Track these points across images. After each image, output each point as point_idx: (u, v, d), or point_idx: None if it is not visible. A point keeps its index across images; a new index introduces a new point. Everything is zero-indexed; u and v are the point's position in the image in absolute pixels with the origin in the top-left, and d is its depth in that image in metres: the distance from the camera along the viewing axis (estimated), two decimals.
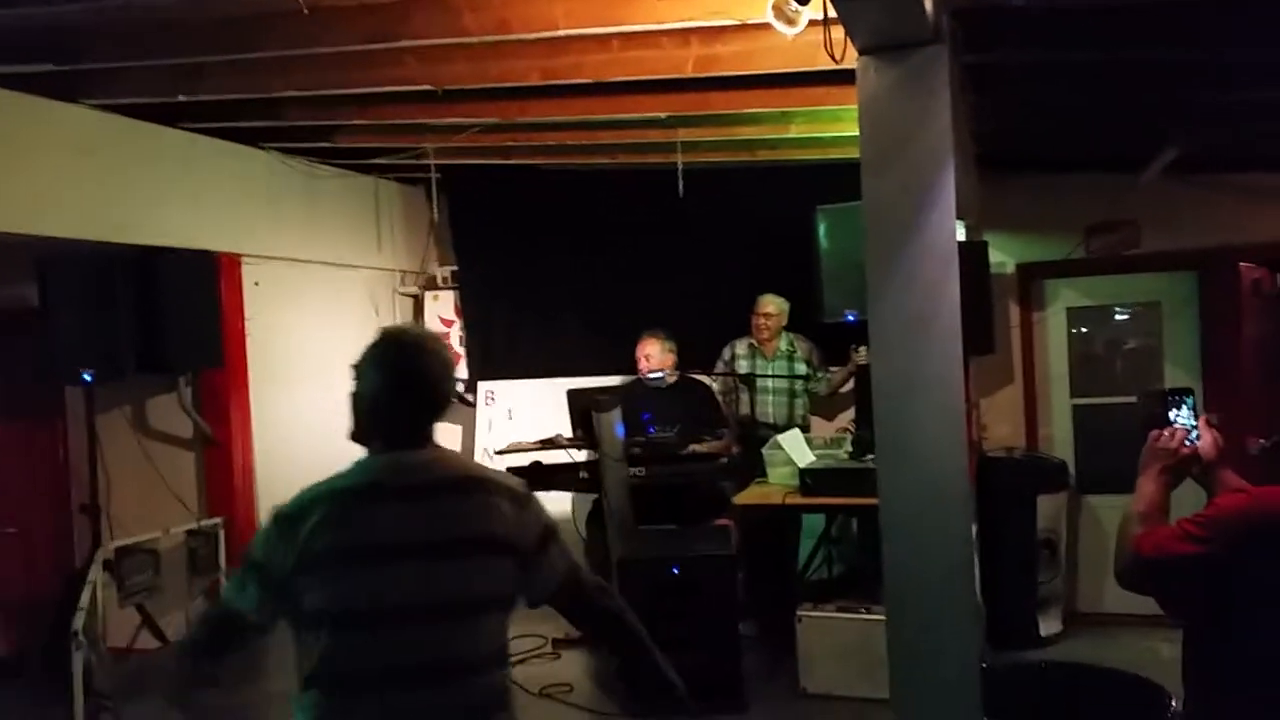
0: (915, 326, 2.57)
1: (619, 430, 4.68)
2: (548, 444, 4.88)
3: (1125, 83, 4.20)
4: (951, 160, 2.49)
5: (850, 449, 4.87)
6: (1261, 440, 6.30)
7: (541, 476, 4.94)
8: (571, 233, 7.06)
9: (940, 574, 2.62)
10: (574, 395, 4.90)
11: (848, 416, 6.44)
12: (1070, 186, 6.37)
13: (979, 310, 5.71)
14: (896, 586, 2.70)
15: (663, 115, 4.77)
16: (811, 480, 4.33)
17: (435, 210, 6.28)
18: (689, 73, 3.97)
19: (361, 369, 2.05)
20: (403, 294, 7.66)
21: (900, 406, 2.59)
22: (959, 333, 2.58)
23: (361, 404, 2.02)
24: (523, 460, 5.03)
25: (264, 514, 5.15)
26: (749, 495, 4.72)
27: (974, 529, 4.82)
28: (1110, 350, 6.73)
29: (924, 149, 2.49)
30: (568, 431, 5.06)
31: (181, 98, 4.70)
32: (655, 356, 5.49)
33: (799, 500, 4.40)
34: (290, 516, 1.89)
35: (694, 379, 5.60)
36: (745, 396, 5.67)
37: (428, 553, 1.93)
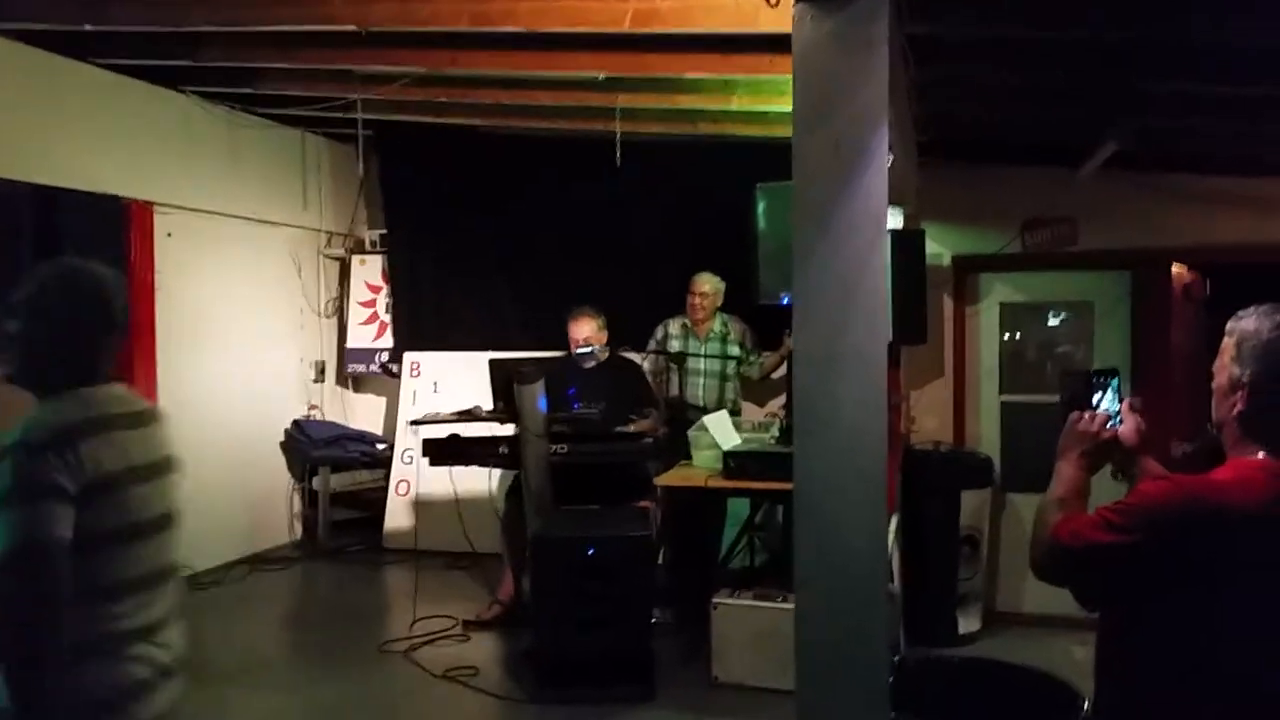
0: (840, 295, 2.43)
1: (541, 404, 4.48)
2: (466, 416, 4.67)
3: (1073, 63, 4.11)
4: (886, 120, 2.35)
5: (778, 434, 4.75)
6: (1185, 445, 6.36)
7: (459, 450, 4.75)
8: (506, 201, 6.84)
9: (852, 561, 2.49)
10: (496, 365, 4.70)
11: (780, 403, 6.33)
12: (1009, 179, 6.31)
13: (913, 299, 5.62)
14: (807, 572, 2.56)
15: (600, 75, 4.58)
16: (735, 463, 4.19)
17: (361, 167, 6.01)
18: (626, 27, 3.80)
19: (44, 302, 1.91)
20: (328, 256, 7.37)
21: (820, 381, 2.44)
22: (886, 303, 2.45)
23: (50, 338, 1.90)
24: (440, 432, 4.81)
25: None
26: (671, 477, 4.57)
27: (895, 519, 4.74)
28: (1041, 348, 6.71)
29: (859, 105, 2.34)
30: (490, 404, 4.84)
31: (88, 27, 4.39)
32: (588, 335, 5.30)
33: (721, 483, 4.26)
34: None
35: (624, 357, 5.43)
36: (676, 377, 5.51)
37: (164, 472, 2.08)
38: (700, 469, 4.58)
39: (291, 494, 6.91)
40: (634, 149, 6.13)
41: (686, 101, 5.20)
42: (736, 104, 5.06)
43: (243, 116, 6.45)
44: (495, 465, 4.76)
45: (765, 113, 5.48)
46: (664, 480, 4.55)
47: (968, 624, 5.87)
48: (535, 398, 4.45)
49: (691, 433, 4.65)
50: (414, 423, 5.07)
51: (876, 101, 2.36)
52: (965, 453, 6.22)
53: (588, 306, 5.41)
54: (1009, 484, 6.39)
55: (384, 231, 7.21)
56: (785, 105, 5.12)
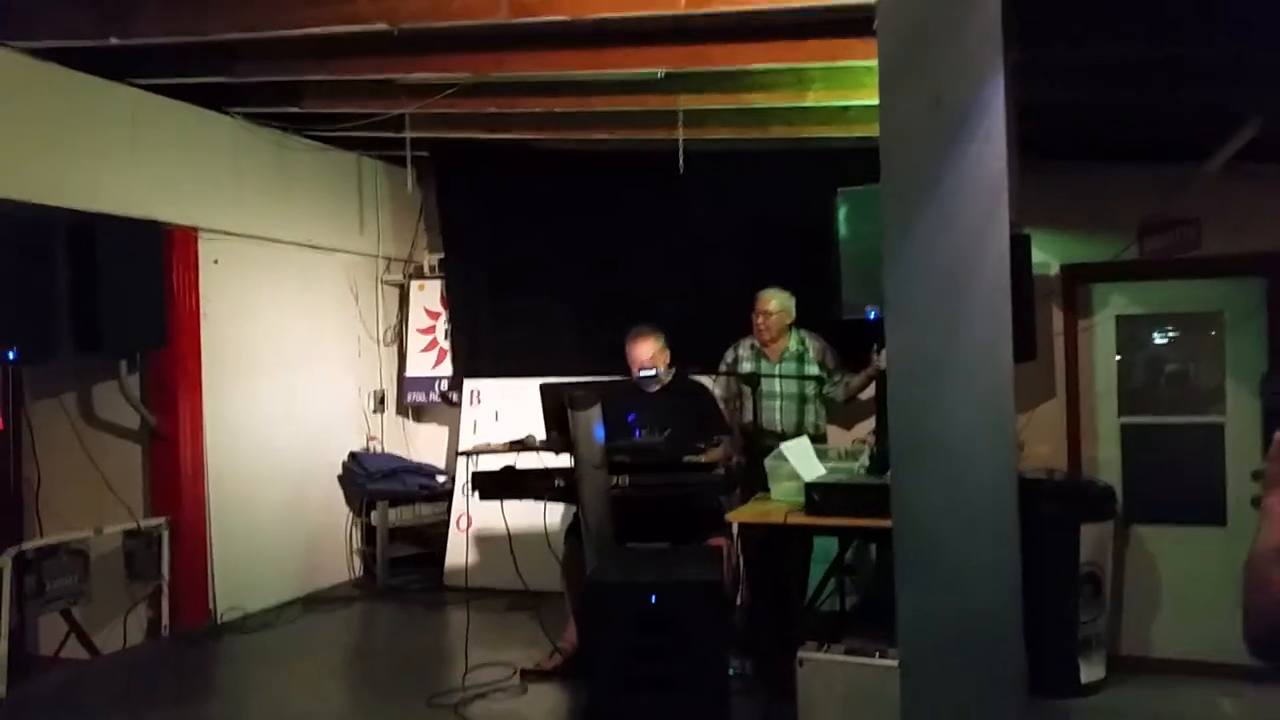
0: (948, 289, 1.92)
1: (598, 433, 4.03)
2: (518, 446, 4.24)
3: (1204, 38, 3.53)
4: (1000, 67, 1.84)
5: (868, 462, 4.20)
6: None
7: (511, 483, 4.31)
8: (566, 219, 6.45)
9: (971, 613, 1.96)
10: (547, 390, 4.26)
11: (869, 427, 5.75)
12: (1123, 178, 5.68)
13: (1020, 311, 5.01)
14: (913, 628, 2.05)
15: (658, 73, 4.15)
16: (819, 496, 3.65)
17: (412, 185, 5.68)
18: (682, 9, 3.35)
19: None
20: (387, 282, 7.07)
21: (926, 397, 1.93)
22: (1008, 293, 1.92)
23: None
24: (493, 464, 4.39)
25: (215, 515, 4.53)
26: (745, 512, 4.04)
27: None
28: (1165, 364, 6.00)
29: (963, 49, 1.83)
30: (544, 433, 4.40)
31: (114, 40, 4.15)
32: (649, 356, 4.83)
33: (803, 519, 3.72)
34: None
35: (692, 380, 4.94)
36: (749, 403, 5.00)
37: None
38: (780, 503, 4.05)
39: (350, 529, 6.58)
40: (701, 159, 5.69)
41: (755, 99, 4.74)
42: (812, 99, 4.58)
43: (293, 139, 6.22)
44: (551, 499, 4.31)
45: (845, 108, 4.98)
46: (738, 516, 4.03)
47: (1091, 672, 5.20)
48: (591, 425, 4.00)
49: (769, 462, 4.13)
50: (463, 453, 4.67)
51: (986, 43, 1.85)
52: (1083, 481, 5.56)
53: (647, 325, 4.95)
54: (1133, 515, 5.71)
55: (442, 256, 6.88)
56: (867, 98, 4.64)
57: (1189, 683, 5.08)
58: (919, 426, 1.96)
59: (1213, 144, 4.87)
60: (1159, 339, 6.00)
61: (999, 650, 1.95)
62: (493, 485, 4.28)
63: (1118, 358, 5.94)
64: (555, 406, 4.10)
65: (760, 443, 5.06)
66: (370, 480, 6.23)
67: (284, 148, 6.16)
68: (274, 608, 5.85)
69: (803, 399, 5.21)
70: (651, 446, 4.18)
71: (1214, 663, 5.47)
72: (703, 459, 4.35)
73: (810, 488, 3.69)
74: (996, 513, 1.89)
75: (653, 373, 4.76)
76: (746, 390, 4.88)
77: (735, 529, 4.16)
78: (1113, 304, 5.96)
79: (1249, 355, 5.68)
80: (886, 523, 3.58)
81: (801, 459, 3.91)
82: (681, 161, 4.91)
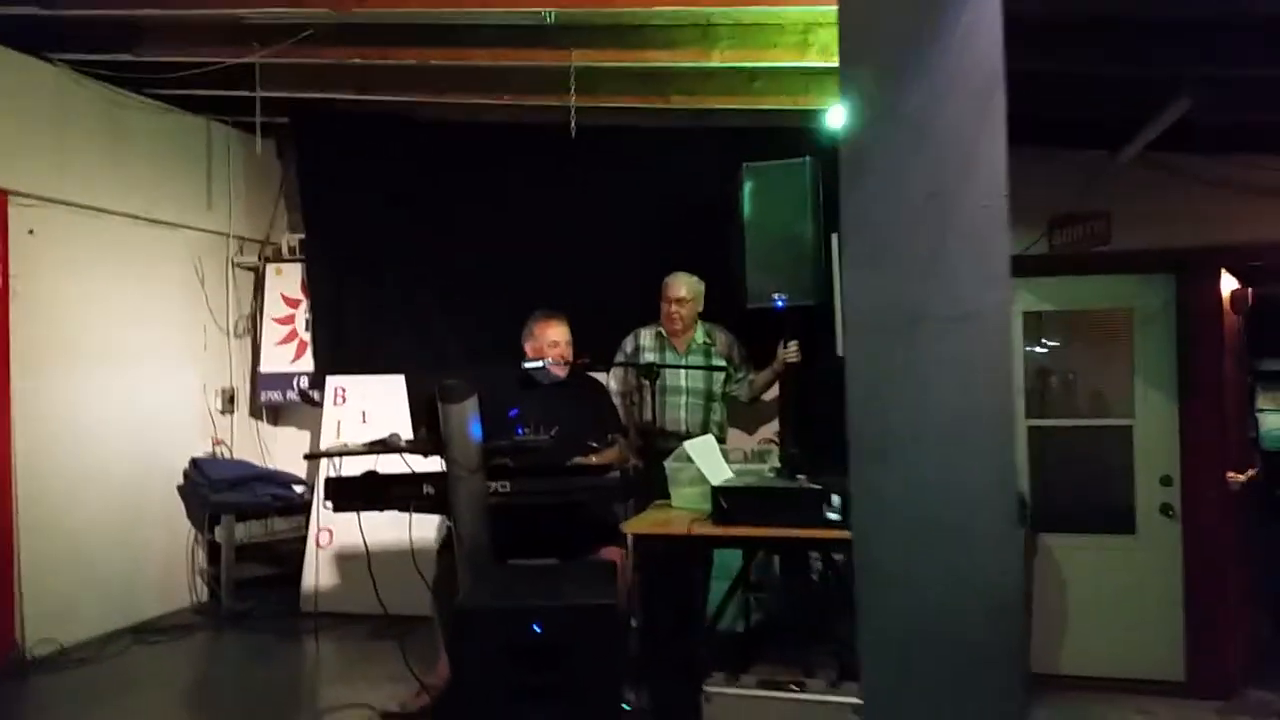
0: (932, 214, 1.45)
1: (474, 430, 3.45)
2: (378, 447, 3.62)
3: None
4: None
5: (778, 464, 3.75)
6: (1239, 476, 5.45)
7: (371, 491, 3.68)
8: (446, 198, 5.83)
9: (956, 642, 1.49)
10: (415, 380, 3.68)
11: (772, 429, 5.33)
12: (1035, 165, 5.40)
13: None
14: (879, 660, 1.57)
15: (547, 14, 3.62)
16: (728, 503, 3.16)
17: (260, 149, 4.99)
18: None
19: None
20: (240, 265, 6.31)
21: (896, 363, 1.45)
22: (1005, 223, 1.47)
23: None
24: (352, 467, 3.75)
25: (24, 530, 3.68)
26: (644, 521, 3.52)
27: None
28: (1074, 363, 5.79)
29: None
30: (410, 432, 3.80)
31: None
32: (558, 343, 4.29)
33: (710, 530, 3.24)
34: None
35: (583, 374, 4.42)
36: (649, 397, 4.51)
37: None
38: (681, 510, 3.55)
39: (192, 547, 5.79)
40: (597, 133, 5.18)
41: (656, 58, 4.26)
42: (718, 58, 4.12)
43: (130, 97, 5.43)
44: (419, 509, 3.70)
45: (752, 77, 4.55)
46: (636, 526, 3.50)
47: None
48: (466, 421, 3.42)
49: (670, 464, 3.63)
50: (310, 457, 4.02)
51: None
52: None
53: (558, 312, 4.40)
54: (1040, 523, 5.44)
55: (303, 236, 6.16)
56: (775, 58, 4.23)
57: (1102, 700, 4.85)
58: (890, 409, 1.48)
59: (1133, 128, 4.64)
60: (1068, 336, 5.79)
61: (989, 687, 1.49)
62: (348, 494, 3.64)
63: (1023, 356, 5.70)
64: (424, 399, 3.51)
65: (660, 444, 4.57)
66: (214, 490, 5.47)
67: (118, 105, 5.37)
68: (97, 639, 5.04)
69: (709, 396, 4.75)
70: (536, 446, 3.62)
71: (1126, 678, 5.27)
72: (594, 460, 3.83)
73: (719, 493, 3.20)
74: (991, 517, 1.43)
75: (540, 364, 4.21)
76: (645, 385, 4.38)
77: (630, 541, 3.64)
78: (1020, 300, 5.70)
79: (1158, 355, 5.50)
80: (802, 532, 3.19)
81: (708, 460, 3.42)
82: (574, 128, 4.38)
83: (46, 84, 4.95)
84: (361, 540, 3.77)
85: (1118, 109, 4.60)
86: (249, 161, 6.30)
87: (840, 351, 4.91)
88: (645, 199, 5.38)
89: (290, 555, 5.66)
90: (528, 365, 4.24)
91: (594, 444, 3.76)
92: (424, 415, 3.57)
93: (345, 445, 3.82)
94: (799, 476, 3.76)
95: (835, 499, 3.06)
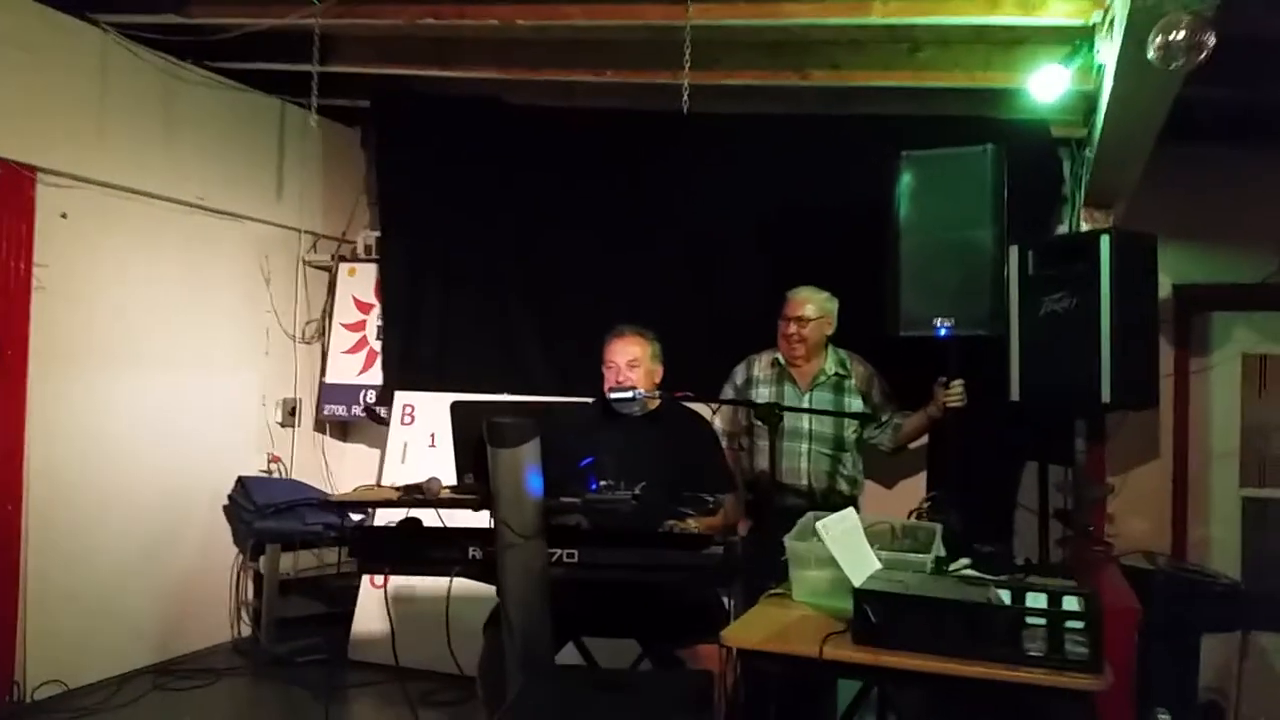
0: None
1: (533, 483, 2.60)
2: (413, 493, 2.80)
3: None
4: None
5: (940, 548, 2.77)
6: None
7: (403, 551, 2.86)
8: (538, 195, 5.05)
9: None
10: (461, 411, 2.84)
11: (914, 486, 4.33)
12: (1263, 171, 4.31)
13: (1141, 340, 3.64)
14: None
15: None
16: (878, 614, 2.20)
17: (315, 119, 4.27)
18: None
19: None
20: (312, 264, 5.65)
21: None
22: None
23: None
24: (387, 514, 2.94)
25: (32, 552, 3.15)
26: (754, 627, 2.51)
27: None
28: None
29: None
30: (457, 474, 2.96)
31: None
32: (632, 363, 3.43)
33: (850, 654, 2.26)
34: None
35: (684, 407, 3.53)
36: (763, 443, 3.59)
37: None
38: (806, 606, 2.60)
39: (236, 577, 5.13)
40: (716, 118, 4.33)
41: (793, 12, 3.32)
42: (878, 14, 3.17)
43: (188, 69, 4.82)
44: (464, 576, 2.85)
45: (915, 42, 3.60)
46: (741, 635, 2.49)
47: None
48: (521, 471, 2.56)
49: (791, 542, 2.69)
50: (325, 505, 3.23)
51: None
52: (1201, 573, 4.13)
53: (630, 325, 3.54)
54: (1253, 619, 4.28)
55: (379, 234, 5.46)
56: (958, 12, 3.27)
57: None
58: None
59: None
60: None
61: None
62: (375, 551, 2.84)
63: (1239, 410, 4.57)
64: (470, 438, 2.67)
65: (777, 500, 3.64)
66: (258, 515, 4.77)
67: (174, 77, 4.77)
68: (111, 680, 4.40)
69: (839, 444, 3.79)
70: (615, 506, 2.75)
71: None
72: (693, 527, 2.92)
73: (864, 599, 2.25)
74: None
75: (629, 394, 3.33)
76: (760, 427, 3.46)
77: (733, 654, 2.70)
78: (1237, 339, 4.60)
79: None
80: (995, 671, 2.16)
81: (848, 547, 2.47)
82: (686, 105, 3.49)
83: (90, 48, 4.37)
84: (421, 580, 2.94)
85: None
86: (328, 149, 5.67)
87: (1015, 395, 3.95)
88: (772, 197, 4.47)
89: (342, 593, 4.92)
90: (615, 394, 3.37)
91: (689, 506, 2.84)
92: (471, 458, 2.73)
93: (379, 487, 3.02)
94: (960, 562, 2.80)
95: (1079, 628, 2.07)
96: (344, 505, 3.19)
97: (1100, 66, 3.14)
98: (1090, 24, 3.15)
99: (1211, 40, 2.07)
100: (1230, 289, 4.49)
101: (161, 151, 4.72)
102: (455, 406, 2.87)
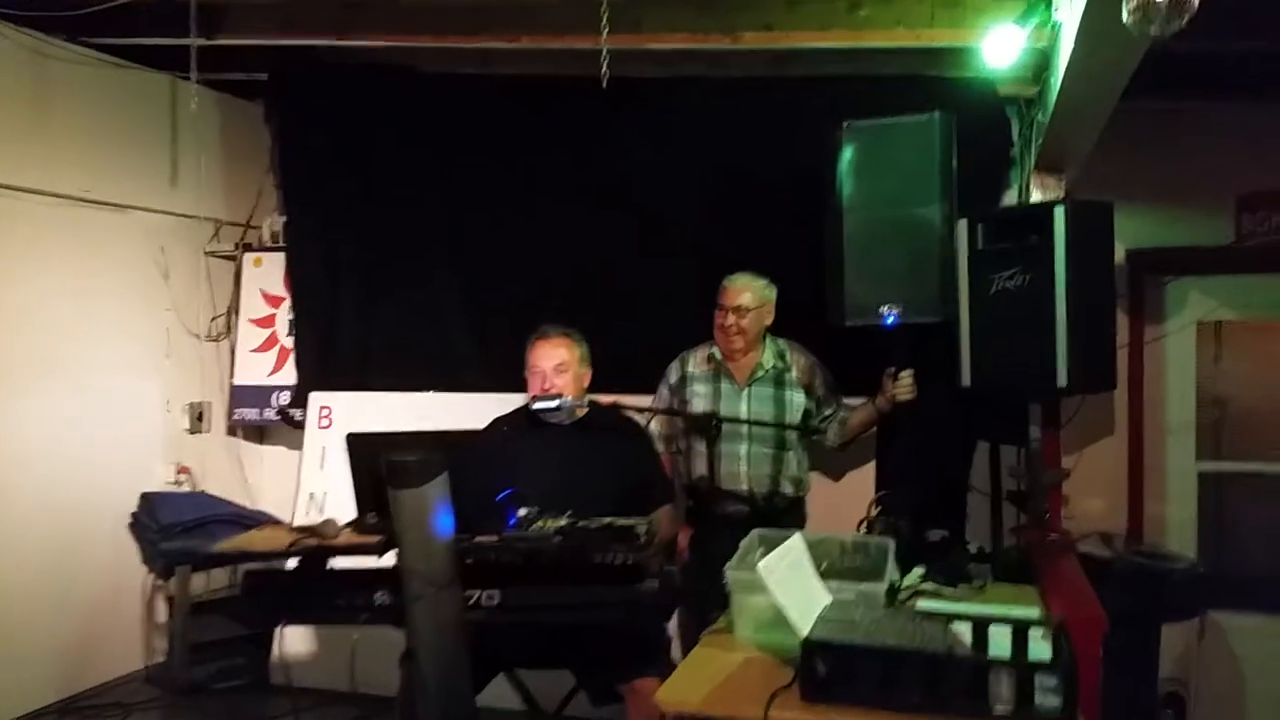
0: None
1: (440, 526, 2.29)
2: (307, 535, 2.48)
3: None
4: None
5: (894, 574, 2.52)
6: None
7: (304, 595, 2.56)
8: (456, 171, 4.68)
9: None
10: (358, 444, 2.53)
11: (863, 478, 4.09)
12: (1218, 123, 4.10)
13: (1099, 318, 3.42)
14: None
15: None
16: (828, 668, 1.94)
17: (195, 105, 3.87)
18: None
19: None
20: (215, 255, 5.22)
21: None
22: None
23: None
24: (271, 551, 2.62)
25: None
26: (690, 684, 2.18)
27: None
28: (1264, 391, 4.45)
29: None
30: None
31: None
32: (563, 369, 3.14)
33: (795, 715, 1.99)
34: None
35: (618, 414, 3.23)
36: (701, 446, 3.32)
37: None
38: (752, 645, 2.34)
39: (150, 600, 4.77)
40: (640, 86, 3.98)
41: None
42: None
43: (63, 47, 4.36)
44: (372, 623, 2.55)
45: (855, 2, 3.30)
46: (677, 699, 2.16)
47: None
48: (427, 514, 2.26)
49: (733, 573, 2.43)
50: (196, 564, 2.88)
51: None
52: (1159, 557, 3.96)
53: (558, 326, 3.24)
54: (1211, 598, 4.15)
55: (286, 220, 5.06)
56: None
57: None
58: None
59: None
60: (1259, 355, 4.46)
61: None
62: (270, 597, 2.53)
63: (1194, 380, 4.40)
64: (370, 473, 2.36)
65: (717, 507, 3.39)
66: (164, 536, 4.40)
67: (44, 56, 4.29)
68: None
69: (781, 442, 3.53)
70: (535, 545, 2.46)
71: None
72: (628, 559, 2.64)
73: (813, 652, 1.99)
74: None
75: (554, 404, 3.04)
76: (696, 429, 3.19)
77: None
78: (1194, 305, 4.42)
79: None
80: None
81: (793, 585, 2.20)
82: (605, 75, 3.16)
83: None
84: None
85: None
86: (229, 127, 5.22)
87: (967, 380, 3.72)
88: (707, 171, 4.16)
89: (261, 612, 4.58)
90: (539, 405, 3.07)
91: (626, 535, 2.56)
92: (371, 495, 2.42)
93: (267, 526, 2.70)
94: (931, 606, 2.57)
95: (1049, 679, 1.84)
96: (224, 559, 2.84)
97: (1057, 24, 2.87)
98: None
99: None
100: (1186, 252, 4.29)
101: (36, 141, 4.27)
102: (351, 439, 2.56)
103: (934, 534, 4.23)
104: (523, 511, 2.55)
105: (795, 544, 2.34)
